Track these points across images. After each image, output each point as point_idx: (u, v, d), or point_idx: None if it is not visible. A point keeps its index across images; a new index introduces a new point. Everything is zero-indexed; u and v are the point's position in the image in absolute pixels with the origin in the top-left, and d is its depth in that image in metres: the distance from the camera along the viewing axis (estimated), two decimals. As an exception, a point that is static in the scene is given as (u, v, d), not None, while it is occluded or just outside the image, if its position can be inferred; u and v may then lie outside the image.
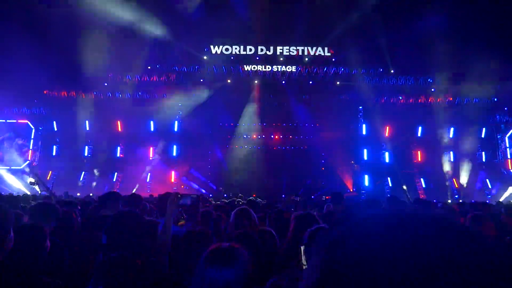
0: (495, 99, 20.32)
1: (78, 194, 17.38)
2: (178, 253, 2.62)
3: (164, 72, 20.80)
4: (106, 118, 20.84)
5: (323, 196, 18.76)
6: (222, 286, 1.75)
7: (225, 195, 20.18)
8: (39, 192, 12.37)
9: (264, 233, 3.21)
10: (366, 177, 20.50)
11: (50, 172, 20.78)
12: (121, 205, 4.69)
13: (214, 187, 21.41)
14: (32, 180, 12.92)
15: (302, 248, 2.36)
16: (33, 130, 21.61)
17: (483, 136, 20.65)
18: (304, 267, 2.17)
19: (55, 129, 21.47)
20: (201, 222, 4.38)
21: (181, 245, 2.59)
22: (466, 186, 19.57)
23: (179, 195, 3.45)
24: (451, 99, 20.30)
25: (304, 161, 22.08)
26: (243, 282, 1.78)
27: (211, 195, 18.62)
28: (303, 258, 2.26)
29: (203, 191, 20.50)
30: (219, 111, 20.85)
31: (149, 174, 20.67)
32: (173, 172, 20.76)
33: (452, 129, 20.52)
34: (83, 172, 21.13)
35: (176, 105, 21.31)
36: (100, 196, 4.75)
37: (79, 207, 5.94)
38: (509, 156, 20.15)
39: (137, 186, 20.03)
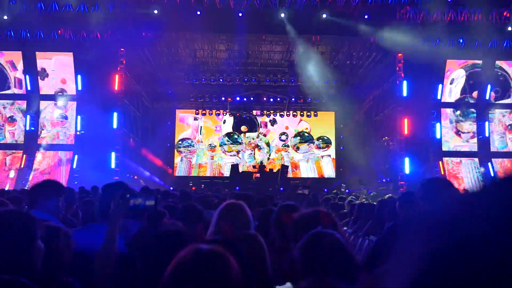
0: None
1: None
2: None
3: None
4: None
5: (342, 185, 15.41)
6: None
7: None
8: None
9: (246, 239, 2.39)
10: (407, 160, 13.97)
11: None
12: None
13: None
14: None
15: None
16: None
17: None
18: None
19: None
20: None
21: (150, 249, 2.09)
22: None
23: (127, 195, 2.43)
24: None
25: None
26: None
27: (171, 188, 13.36)
28: None
29: (157, 179, 15.41)
30: (182, 57, 15.82)
31: (76, 157, 14.13)
32: (113, 153, 13.93)
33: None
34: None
35: (118, 48, 14.48)
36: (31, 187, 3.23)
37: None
38: None
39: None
